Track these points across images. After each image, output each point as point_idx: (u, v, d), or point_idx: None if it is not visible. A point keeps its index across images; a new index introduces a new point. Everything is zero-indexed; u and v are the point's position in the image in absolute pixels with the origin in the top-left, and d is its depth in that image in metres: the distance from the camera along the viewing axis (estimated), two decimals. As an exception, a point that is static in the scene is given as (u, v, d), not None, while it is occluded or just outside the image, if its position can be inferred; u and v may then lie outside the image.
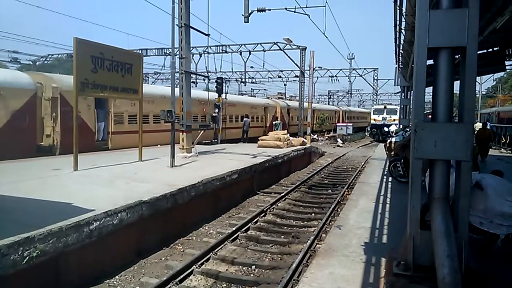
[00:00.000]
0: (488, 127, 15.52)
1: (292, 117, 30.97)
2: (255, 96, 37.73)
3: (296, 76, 30.80)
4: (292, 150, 15.10)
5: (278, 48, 23.87)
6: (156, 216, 6.41)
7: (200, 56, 26.25)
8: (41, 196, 6.09)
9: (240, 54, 25.71)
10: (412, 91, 3.85)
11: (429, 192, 3.38)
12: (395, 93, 51.01)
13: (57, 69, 27.07)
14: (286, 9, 17.57)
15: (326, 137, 32.58)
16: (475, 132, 14.04)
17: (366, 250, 4.91)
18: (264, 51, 25.00)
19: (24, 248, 4.12)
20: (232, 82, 35.87)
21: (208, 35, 13.23)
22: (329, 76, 40.35)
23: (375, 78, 43.34)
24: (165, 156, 10.52)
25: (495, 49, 9.88)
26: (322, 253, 4.93)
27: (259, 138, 17.30)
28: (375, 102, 46.97)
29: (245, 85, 34.31)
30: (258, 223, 7.81)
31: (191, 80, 14.50)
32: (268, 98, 35.89)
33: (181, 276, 5.11)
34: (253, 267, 5.63)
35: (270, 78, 37.62)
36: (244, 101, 25.68)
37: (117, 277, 5.26)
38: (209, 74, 26.78)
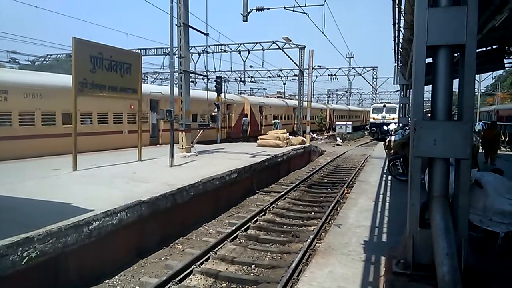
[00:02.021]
0: (480, 126, 15.25)
1: (266, 116, 27.23)
2: (254, 95, 37.64)
3: (295, 75, 30.77)
4: (292, 149, 15.10)
5: (277, 47, 23.84)
6: (156, 215, 6.40)
7: (199, 55, 26.24)
8: (40, 196, 6.07)
9: (239, 53, 25.70)
10: (411, 90, 3.85)
11: (429, 191, 3.38)
12: (394, 92, 51.07)
13: (56, 69, 27.04)
14: (284, 8, 17.55)
15: (326, 136, 32.58)
16: (481, 133, 14.02)
17: (365, 249, 4.91)
18: (263, 50, 24.99)
19: (23, 249, 4.11)
20: (232, 82, 35.90)
21: (207, 34, 13.23)
22: (328, 75, 40.47)
23: (374, 76, 43.53)
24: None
25: (494, 47, 9.88)
26: (322, 252, 4.92)
27: (258, 137, 17.25)
28: (374, 101, 46.91)
29: (244, 84, 34.32)
30: (258, 222, 7.80)
31: (190, 80, 14.48)
32: (229, 93, 33.74)
33: (181, 276, 5.11)
34: (253, 266, 5.63)
35: (270, 77, 37.66)
36: (196, 96, 17.18)
37: (116, 277, 5.26)
38: (208, 73, 26.74)
